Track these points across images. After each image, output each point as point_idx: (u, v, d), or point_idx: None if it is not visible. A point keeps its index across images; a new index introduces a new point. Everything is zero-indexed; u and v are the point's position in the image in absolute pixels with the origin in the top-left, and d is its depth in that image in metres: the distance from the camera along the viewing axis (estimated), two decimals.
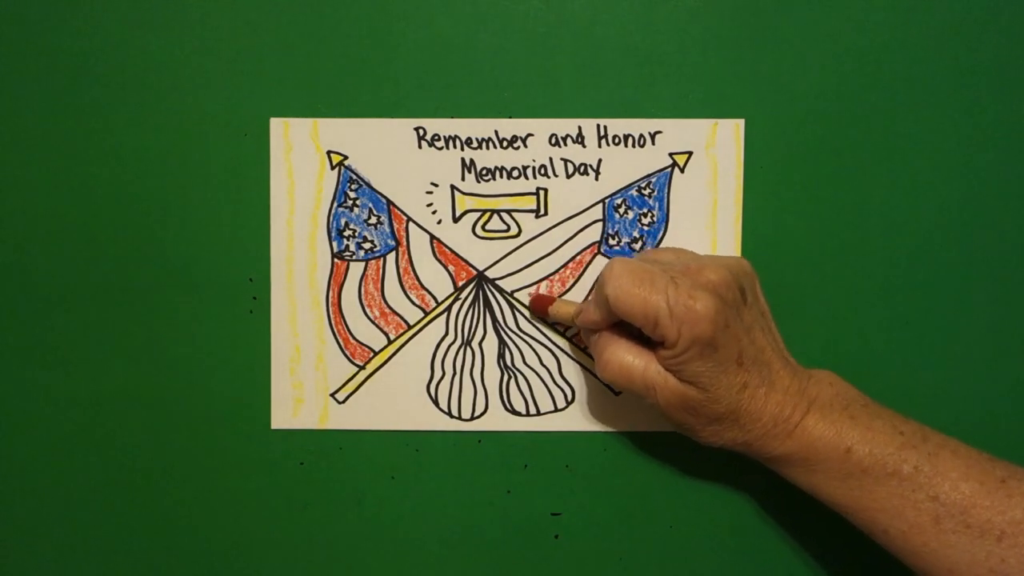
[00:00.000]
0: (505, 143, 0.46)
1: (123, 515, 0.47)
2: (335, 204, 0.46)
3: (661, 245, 0.46)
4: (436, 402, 0.47)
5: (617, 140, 0.46)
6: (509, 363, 0.47)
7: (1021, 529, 0.35)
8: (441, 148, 0.46)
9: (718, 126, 0.46)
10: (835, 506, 0.40)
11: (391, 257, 0.46)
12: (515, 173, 0.46)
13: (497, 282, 0.47)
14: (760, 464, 0.41)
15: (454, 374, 0.47)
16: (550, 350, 0.47)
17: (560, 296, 0.46)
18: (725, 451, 0.41)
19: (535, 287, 0.46)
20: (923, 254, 0.46)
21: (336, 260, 0.46)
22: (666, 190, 0.46)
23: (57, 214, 0.46)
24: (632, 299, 0.38)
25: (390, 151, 0.46)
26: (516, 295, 0.47)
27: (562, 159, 0.46)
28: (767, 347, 0.40)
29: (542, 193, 0.46)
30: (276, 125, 0.46)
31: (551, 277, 0.46)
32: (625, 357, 0.40)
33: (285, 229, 0.46)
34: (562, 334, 0.47)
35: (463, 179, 0.46)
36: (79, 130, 0.45)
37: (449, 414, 0.47)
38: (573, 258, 0.46)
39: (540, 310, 0.45)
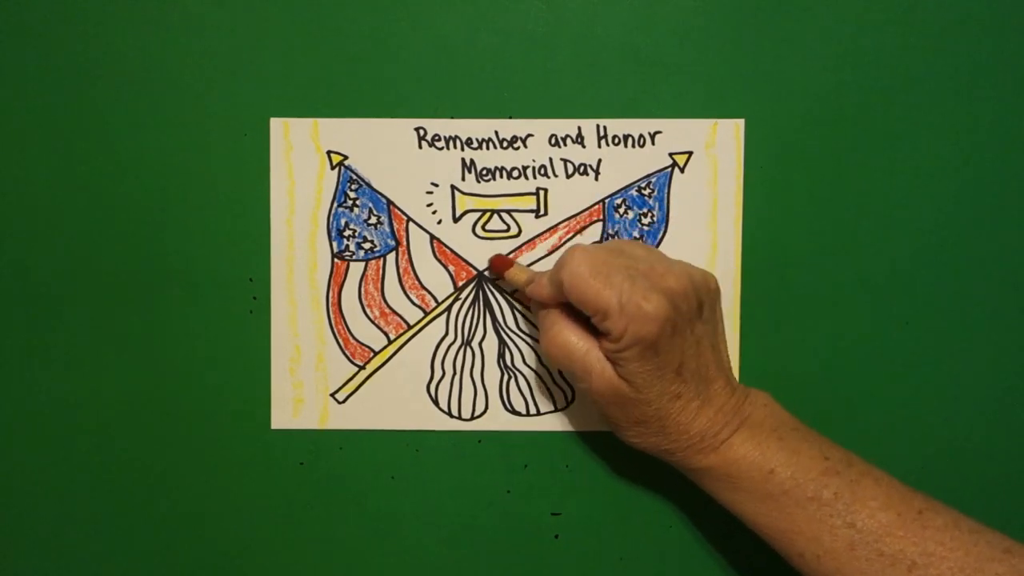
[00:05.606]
0: (505, 143, 0.46)
1: (123, 515, 0.47)
2: (335, 204, 0.46)
3: (661, 245, 0.46)
4: (436, 402, 0.47)
5: (617, 140, 0.46)
6: (509, 363, 0.47)
7: (931, 561, 0.35)
8: (441, 148, 0.46)
9: (718, 126, 0.46)
10: (753, 526, 0.40)
11: (391, 257, 0.46)
12: (515, 173, 0.46)
13: (497, 282, 0.47)
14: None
15: (454, 374, 0.47)
16: None
17: (523, 262, 0.46)
18: (649, 455, 0.41)
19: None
20: (923, 253, 0.46)
21: (336, 260, 0.46)
22: (666, 190, 0.46)
23: (57, 214, 0.46)
24: (586, 288, 0.38)
25: (390, 151, 0.46)
26: (516, 295, 0.47)
27: (562, 159, 0.46)
28: (712, 364, 0.40)
29: (542, 193, 0.46)
30: (276, 125, 0.46)
31: None
32: (570, 337, 0.40)
33: (285, 229, 0.46)
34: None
35: (463, 179, 0.46)
36: (79, 130, 0.45)
37: (449, 414, 0.47)
38: None
39: (498, 270, 0.45)
